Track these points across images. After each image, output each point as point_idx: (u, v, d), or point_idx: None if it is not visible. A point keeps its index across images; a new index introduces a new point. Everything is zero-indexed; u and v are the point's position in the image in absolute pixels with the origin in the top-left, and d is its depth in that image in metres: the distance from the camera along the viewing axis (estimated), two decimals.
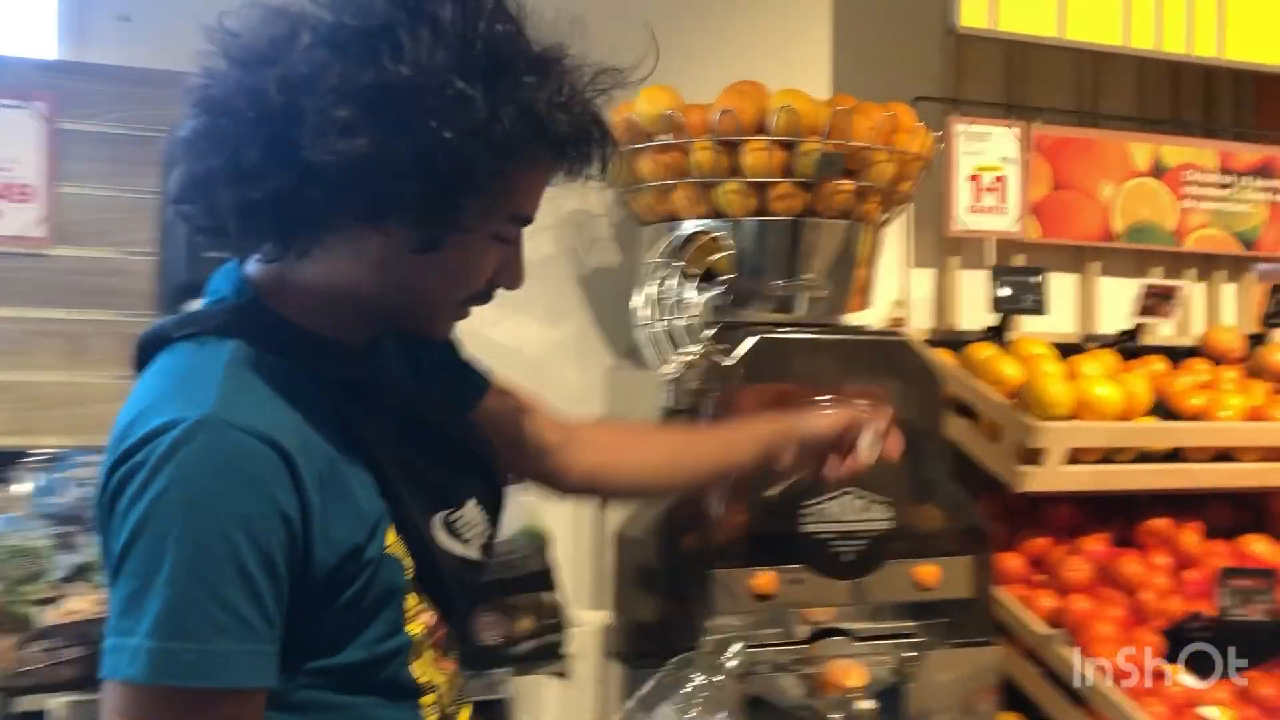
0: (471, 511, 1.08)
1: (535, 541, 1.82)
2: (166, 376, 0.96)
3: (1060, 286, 2.70)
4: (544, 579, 1.78)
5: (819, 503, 1.86)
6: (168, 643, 0.85)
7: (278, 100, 0.90)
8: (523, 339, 2.26)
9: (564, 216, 2.30)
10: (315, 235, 0.95)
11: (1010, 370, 2.22)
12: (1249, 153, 2.80)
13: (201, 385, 0.92)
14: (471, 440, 1.12)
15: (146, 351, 1.01)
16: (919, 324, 2.59)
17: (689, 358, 1.88)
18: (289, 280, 0.99)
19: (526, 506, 1.76)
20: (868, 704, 1.82)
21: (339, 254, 0.97)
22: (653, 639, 1.86)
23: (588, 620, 2.01)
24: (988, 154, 2.58)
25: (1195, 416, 2.28)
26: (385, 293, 0.99)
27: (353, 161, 0.89)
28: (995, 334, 2.42)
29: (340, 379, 0.99)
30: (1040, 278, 2.42)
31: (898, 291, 2.59)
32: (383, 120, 0.89)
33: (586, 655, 2.02)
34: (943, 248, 2.62)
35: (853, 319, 2.13)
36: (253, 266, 1.01)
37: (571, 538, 2.09)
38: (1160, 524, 2.31)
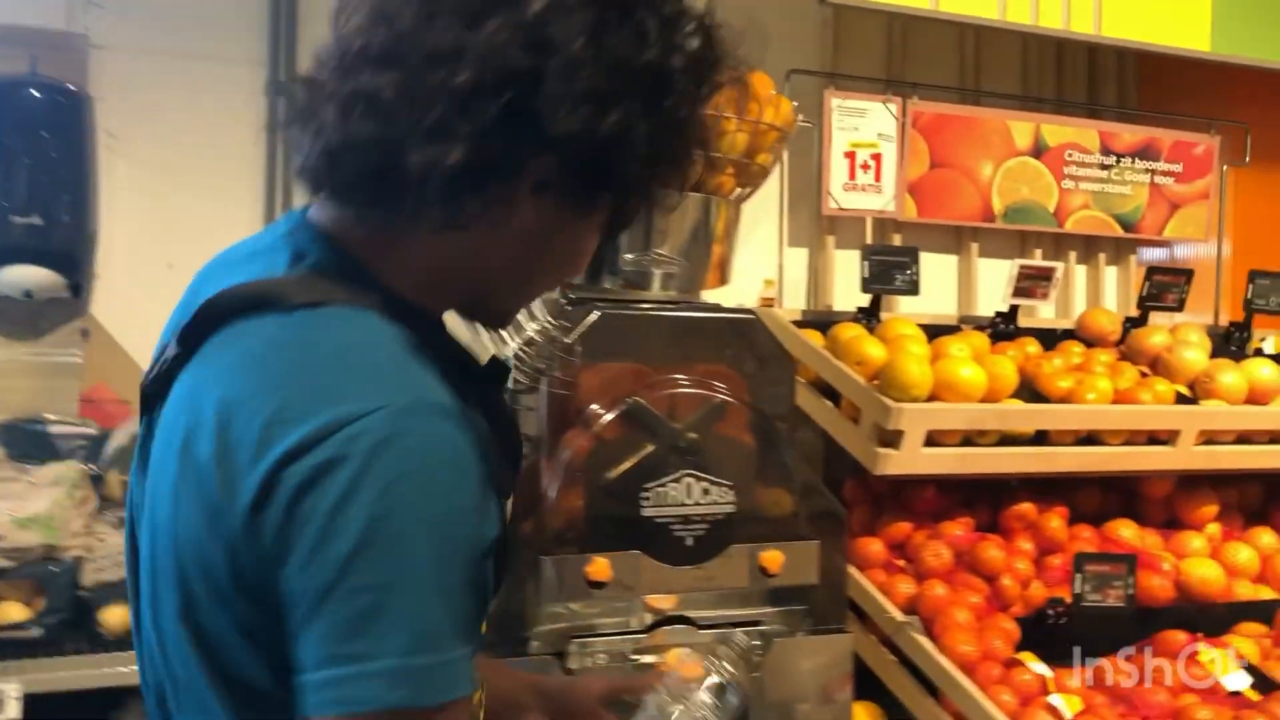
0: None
1: None
2: (304, 351, 0.82)
3: (940, 267, 2.65)
4: None
5: (659, 485, 1.79)
6: (434, 656, 0.76)
7: (518, 61, 0.80)
8: None
9: None
10: (492, 206, 0.84)
11: (874, 351, 2.16)
12: (1130, 134, 2.77)
13: (374, 364, 0.81)
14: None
15: (213, 323, 0.85)
16: (793, 304, 2.53)
17: (530, 335, 1.80)
18: (401, 246, 0.87)
19: None
20: (707, 695, 1.76)
21: (485, 227, 0.86)
22: (489, 628, 1.78)
23: None
24: (864, 130, 2.52)
25: (1062, 399, 2.24)
26: (506, 272, 0.90)
27: (600, 136, 0.83)
28: (867, 315, 2.37)
29: (446, 357, 0.88)
30: (912, 258, 2.37)
31: (771, 270, 2.53)
32: (637, 97, 0.84)
33: None
34: (818, 226, 2.56)
35: (712, 296, 2.06)
36: (338, 224, 0.89)
37: None
38: (1025, 509, 2.27)
